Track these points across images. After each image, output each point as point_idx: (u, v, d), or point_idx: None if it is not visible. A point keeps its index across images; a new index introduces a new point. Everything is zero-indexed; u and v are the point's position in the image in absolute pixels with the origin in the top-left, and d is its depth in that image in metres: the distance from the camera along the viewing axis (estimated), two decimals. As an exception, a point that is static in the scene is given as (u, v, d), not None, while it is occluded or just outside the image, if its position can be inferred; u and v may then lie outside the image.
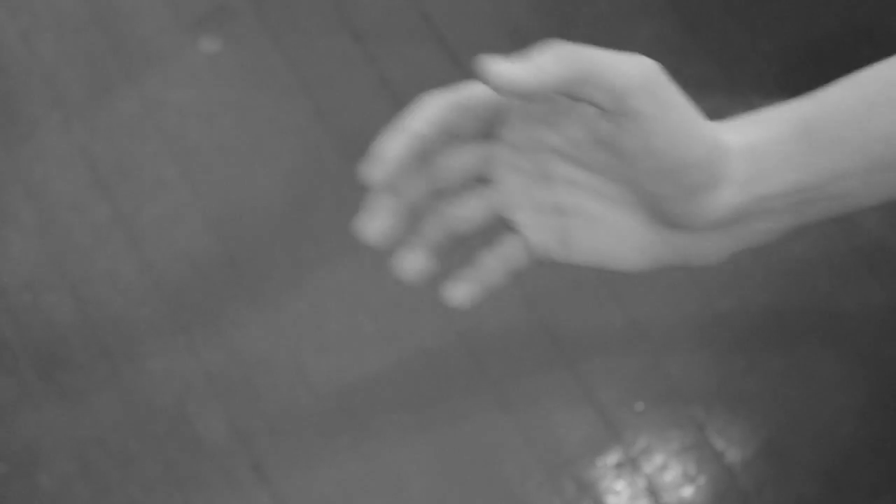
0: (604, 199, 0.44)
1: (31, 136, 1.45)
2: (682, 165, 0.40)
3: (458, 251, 0.50)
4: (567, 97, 0.41)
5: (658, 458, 1.21)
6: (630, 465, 1.21)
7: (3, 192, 1.42)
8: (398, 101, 1.42)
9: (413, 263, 0.46)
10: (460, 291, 0.46)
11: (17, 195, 1.41)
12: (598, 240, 0.45)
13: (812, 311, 1.28)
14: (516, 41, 1.46)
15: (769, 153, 0.42)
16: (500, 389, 1.25)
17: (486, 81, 0.40)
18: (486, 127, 0.46)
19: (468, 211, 0.47)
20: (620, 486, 1.20)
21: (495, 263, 0.47)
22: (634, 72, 0.39)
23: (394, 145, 0.44)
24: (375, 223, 0.44)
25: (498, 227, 0.48)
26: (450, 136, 0.45)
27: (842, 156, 0.41)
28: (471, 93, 0.45)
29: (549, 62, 0.39)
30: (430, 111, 0.44)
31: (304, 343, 1.30)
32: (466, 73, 1.44)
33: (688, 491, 1.20)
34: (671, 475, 1.21)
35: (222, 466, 1.25)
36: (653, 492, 1.20)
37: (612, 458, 1.22)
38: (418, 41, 1.46)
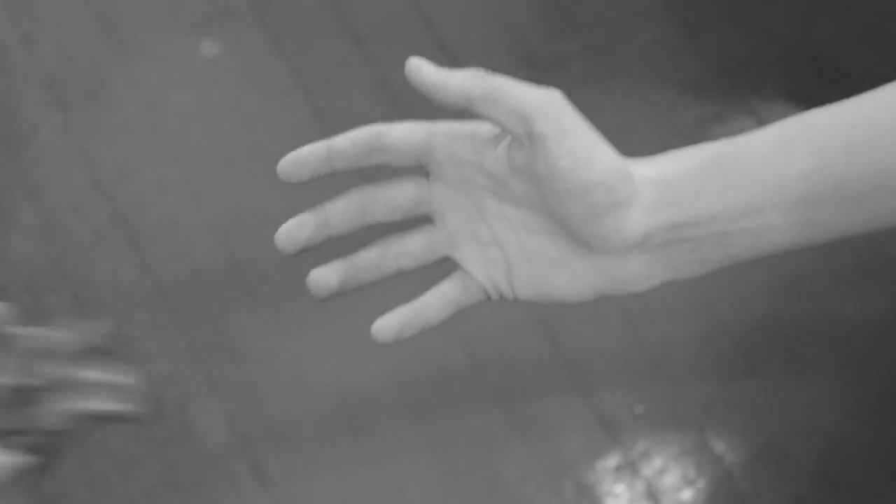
0: (531, 230, 0.47)
1: (31, 139, 1.45)
2: (586, 185, 0.43)
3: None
4: (480, 116, 0.45)
5: (657, 462, 1.21)
6: (629, 468, 1.21)
7: (3, 194, 1.42)
8: (398, 103, 1.43)
9: (322, 279, 0.50)
10: (387, 327, 0.48)
11: (18, 197, 1.41)
12: (537, 274, 0.48)
13: (811, 314, 1.28)
14: (515, 44, 1.46)
15: (682, 182, 0.44)
16: (499, 393, 1.25)
17: (407, 73, 0.44)
18: (419, 164, 0.49)
19: (410, 246, 0.49)
20: (620, 489, 1.21)
21: (435, 301, 0.49)
22: (538, 98, 0.42)
23: (311, 148, 0.48)
24: (291, 230, 0.49)
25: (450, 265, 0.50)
26: (378, 164, 0.48)
27: (757, 191, 0.44)
28: (401, 128, 0.48)
29: (463, 76, 0.44)
30: (357, 133, 0.48)
31: (305, 346, 1.30)
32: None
33: (687, 494, 1.20)
34: (671, 478, 1.21)
35: (222, 470, 1.25)
36: (652, 495, 1.20)
37: (611, 461, 1.22)
38: (418, 44, 1.47)
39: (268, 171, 1.39)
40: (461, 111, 0.46)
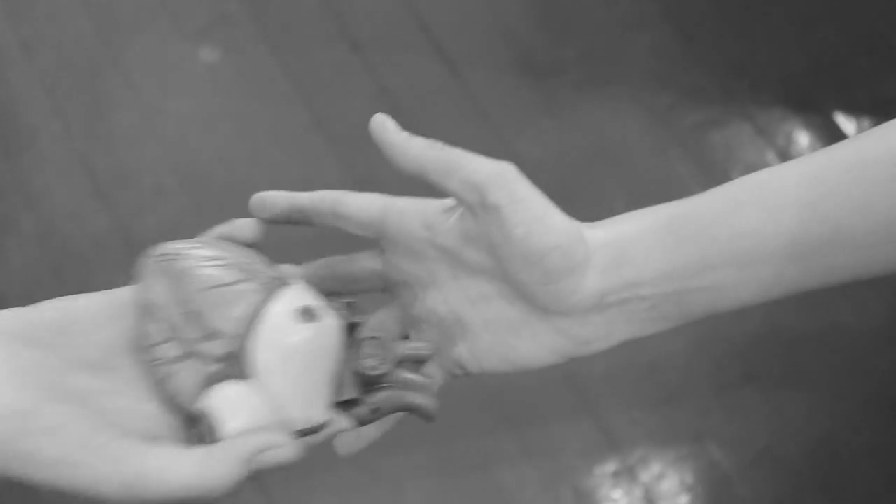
0: (489, 299, 0.48)
1: (30, 146, 1.45)
2: (542, 251, 0.44)
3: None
4: (434, 186, 0.46)
5: (655, 467, 1.22)
6: (627, 473, 1.21)
7: (2, 200, 1.42)
8: (397, 110, 1.43)
9: None
10: (346, 442, 0.49)
11: (17, 204, 1.42)
12: (499, 342, 0.48)
13: (808, 320, 1.29)
14: (513, 50, 1.46)
15: (635, 242, 0.45)
16: (497, 399, 1.25)
17: (371, 129, 0.45)
18: (375, 237, 0.50)
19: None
20: (618, 494, 1.21)
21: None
22: (491, 169, 0.44)
23: (278, 195, 0.51)
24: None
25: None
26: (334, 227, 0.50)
27: (708, 249, 0.45)
28: (359, 200, 0.50)
29: (420, 146, 0.45)
30: (320, 195, 0.50)
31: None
32: (464, 82, 1.44)
33: (685, 499, 1.20)
34: (669, 484, 1.21)
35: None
36: (650, 500, 1.20)
37: (609, 466, 1.22)
38: (417, 51, 1.47)
39: (267, 177, 1.40)
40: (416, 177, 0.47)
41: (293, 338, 0.43)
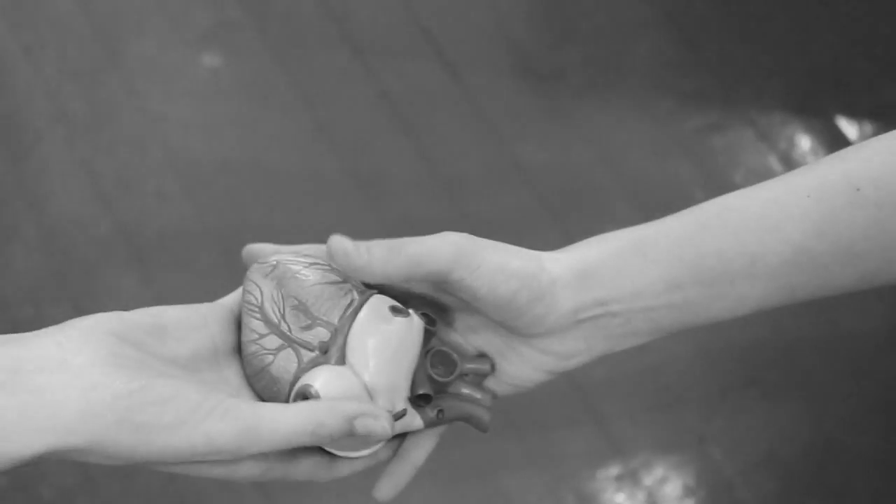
0: (474, 331, 0.52)
1: (33, 151, 1.45)
2: (506, 297, 0.47)
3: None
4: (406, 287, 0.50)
5: (658, 471, 1.22)
6: (630, 477, 1.22)
7: (5, 206, 1.42)
8: (398, 115, 1.43)
9: None
10: (385, 489, 0.54)
11: (20, 209, 1.42)
12: (503, 370, 0.53)
13: (810, 325, 1.29)
14: (515, 56, 1.47)
15: (603, 264, 0.48)
16: (499, 403, 1.25)
17: (332, 254, 0.48)
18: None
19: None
20: (621, 498, 1.21)
21: (413, 444, 0.55)
22: (446, 255, 0.47)
23: (266, 248, 0.54)
24: None
25: None
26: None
27: (675, 269, 0.47)
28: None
29: (381, 262, 0.47)
30: (317, 249, 0.52)
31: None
32: (465, 87, 1.45)
33: (687, 503, 1.20)
34: (671, 487, 1.21)
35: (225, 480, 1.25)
36: (653, 504, 1.20)
37: (612, 470, 1.22)
38: (418, 56, 1.47)
39: (268, 181, 1.40)
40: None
41: (389, 327, 0.48)
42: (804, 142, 1.38)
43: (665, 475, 1.21)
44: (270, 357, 0.49)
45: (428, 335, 0.50)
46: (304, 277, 0.50)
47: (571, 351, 0.51)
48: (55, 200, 1.42)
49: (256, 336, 0.50)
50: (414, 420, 0.50)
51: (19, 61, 1.52)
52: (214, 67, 1.49)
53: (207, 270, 1.36)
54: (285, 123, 1.44)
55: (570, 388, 1.25)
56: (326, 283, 0.50)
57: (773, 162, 1.36)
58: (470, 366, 0.52)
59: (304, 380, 0.48)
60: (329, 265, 0.50)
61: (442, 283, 0.48)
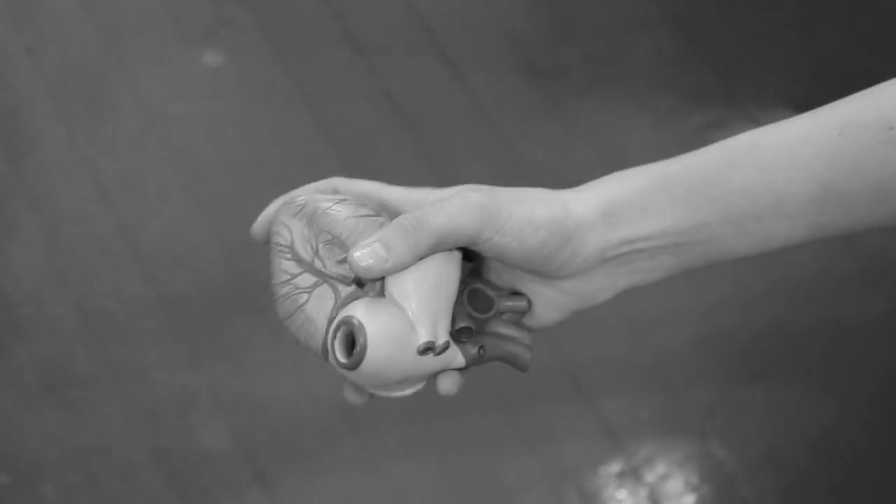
0: (499, 271, 0.52)
1: (35, 149, 1.46)
2: (536, 248, 0.47)
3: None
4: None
5: (660, 468, 1.22)
6: (632, 474, 1.22)
7: (7, 204, 1.42)
8: (400, 113, 1.43)
9: None
10: (448, 384, 0.53)
11: (22, 208, 1.42)
12: (537, 310, 0.53)
13: (812, 319, 1.29)
14: (517, 54, 1.47)
15: (629, 202, 0.48)
16: (501, 399, 1.25)
17: (356, 271, 0.47)
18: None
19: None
20: (623, 495, 1.21)
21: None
22: (471, 221, 0.47)
23: (262, 219, 0.55)
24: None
25: None
26: None
27: (702, 207, 0.47)
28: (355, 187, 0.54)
29: (406, 252, 0.47)
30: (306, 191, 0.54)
31: (307, 354, 1.30)
32: (467, 85, 1.45)
33: (690, 500, 1.20)
34: (673, 484, 1.21)
35: (226, 477, 1.25)
36: (655, 501, 1.20)
37: (614, 467, 1.22)
38: (419, 54, 1.47)
39: (270, 180, 1.40)
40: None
41: (428, 258, 0.47)
42: (806, 139, 1.38)
43: (667, 471, 1.21)
44: (305, 296, 0.49)
45: (464, 270, 0.50)
46: (335, 212, 0.49)
47: (596, 289, 0.51)
48: (56, 199, 1.42)
49: (289, 276, 0.50)
50: (456, 357, 0.50)
51: (21, 60, 1.52)
52: (216, 66, 1.49)
53: (209, 269, 1.36)
54: (287, 122, 1.44)
55: (571, 383, 1.26)
56: (360, 216, 0.49)
57: (775, 159, 1.36)
58: (507, 303, 0.51)
59: (346, 311, 0.47)
60: (359, 200, 0.50)
61: (473, 246, 0.48)
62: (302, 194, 0.53)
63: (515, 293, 0.51)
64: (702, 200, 0.47)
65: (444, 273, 0.48)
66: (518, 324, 0.51)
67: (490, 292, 0.50)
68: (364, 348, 0.46)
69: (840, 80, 1.42)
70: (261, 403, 1.29)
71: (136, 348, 1.33)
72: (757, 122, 1.39)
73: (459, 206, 0.47)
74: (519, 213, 0.47)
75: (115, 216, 1.40)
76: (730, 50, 1.45)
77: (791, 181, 0.46)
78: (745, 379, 1.26)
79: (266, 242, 0.53)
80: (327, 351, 0.49)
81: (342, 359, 0.48)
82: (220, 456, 1.26)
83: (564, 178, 1.42)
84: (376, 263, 0.46)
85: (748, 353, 1.27)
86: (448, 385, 0.52)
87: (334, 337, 0.48)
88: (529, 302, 0.51)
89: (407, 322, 0.47)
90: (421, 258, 0.47)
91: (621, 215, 0.48)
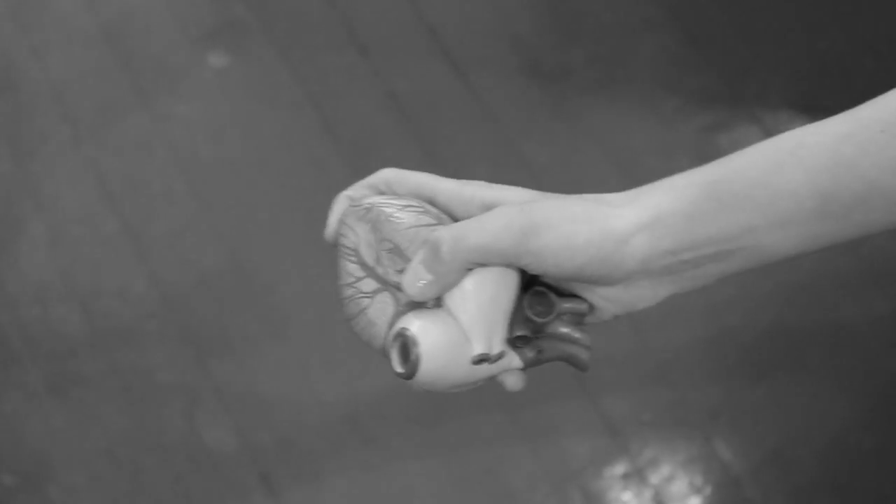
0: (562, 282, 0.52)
1: (40, 151, 1.46)
2: (574, 271, 0.48)
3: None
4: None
5: (665, 469, 1.22)
6: (637, 475, 1.22)
7: (13, 205, 1.43)
8: (404, 114, 1.43)
9: None
10: (513, 381, 0.52)
11: (27, 209, 1.42)
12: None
13: (817, 321, 1.29)
14: (521, 55, 1.47)
15: (674, 212, 0.48)
16: (506, 401, 1.25)
17: (406, 293, 0.49)
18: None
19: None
20: (627, 496, 1.21)
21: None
22: (508, 245, 0.47)
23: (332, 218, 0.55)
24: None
25: None
26: None
27: (749, 212, 0.47)
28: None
29: (450, 271, 0.48)
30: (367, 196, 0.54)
31: (312, 355, 1.31)
32: (471, 86, 1.45)
33: (695, 502, 1.20)
34: (678, 486, 1.21)
35: (231, 478, 1.26)
36: (660, 502, 1.20)
37: (618, 468, 1.22)
38: (424, 55, 1.48)
39: (275, 181, 1.40)
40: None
41: (486, 268, 0.48)
42: (810, 140, 1.38)
43: (672, 473, 1.21)
44: (367, 300, 0.50)
45: (524, 276, 0.50)
46: (397, 220, 0.50)
47: (637, 298, 0.51)
48: (62, 200, 1.43)
49: (353, 279, 0.51)
50: (513, 360, 0.50)
51: (26, 61, 1.52)
52: (221, 67, 1.49)
53: (214, 270, 1.36)
54: (291, 123, 1.44)
55: (576, 386, 1.26)
56: (420, 225, 0.50)
57: (780, 160, 1.36)
58: (567, 305, 0.51)
59: (401, 323, 0.48)
60: (422, 207, 0.51)
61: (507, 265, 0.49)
62: (364, 194, 0.53)
63: (576, 295, 0.52)
64: (748, 205, 0.47)
65: (500, 281, 0.49)
66: (578, 325, 0.52)
67: (552, 296, 0.51)
68: (417, 360, 0.47)
69: (844, 81, 1.42)
70: (266, 404, 1.29)
71: (140, 349, 1.33)
72: (761, 123, 1.39)
73: (497, 228, 0.48)
74: (557, 238, 0.48)
75: (119, 217, 1.40)
76: (734, 51, 1.45)
77: (837, 181, 0.46)
78: (750, 380, 1.26)
79: (334, 244, 0.53)
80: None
81: (398, 368, 0.49)
82: (225, 457, 1.26)
83: (569, 178, 1.42)
84: (422, 286, 0.48)
85: (753, 354, 1.27)
86: (513, 382, 0.52)
87: (392, 346, 0.49)
88: (590, 305, 0.51)
89: (461, 333, 0.48)
90: (465, 274, 0.48)
91: (667, 226, 0.48)
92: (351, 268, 0.51)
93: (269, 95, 1.47)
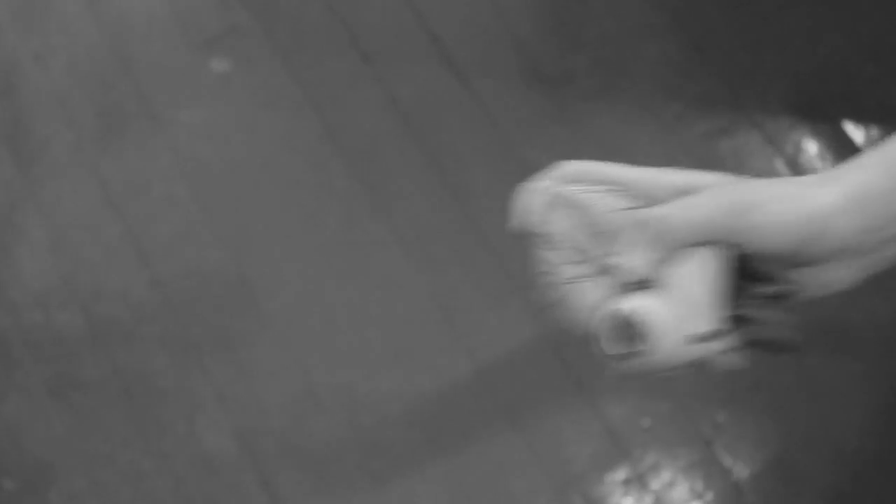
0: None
1: (43, 156, 1.46)
2: (778, 254, 0.49)
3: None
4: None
5: (666, 475, 1.22)
6: (638, 481, 1.21)
7: (15, 210, 1.43)
8: (406, 120, 1.43)
9: None
10: (727, 362, 0.53)
11: (29, 213, 1.42)
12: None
13: (819, 326, 1.29)
14: (523, 60, 1.47)
15: (873, 190, 0.48)
16: (508, 406, 1.25)
17: (616, 273, 0.50)
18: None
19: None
20: (628, 502, 1.21)
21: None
22: (718, 224, 0.48)
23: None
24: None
25: None
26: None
27: None
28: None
29: (653, 253, 0.49)
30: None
31: (313, 360, 1.31)
32: (473, 92, 1.45)
33: (696, 507, 1.20)
34: (679, 491, 1.21)
35: (231, 483, 1.26)
36: (661, 508, 1.20)
37: (619, 474, 1.22)
38: (426, 61, 1.48)
39: (277, 186, 1.40)
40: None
41: (695, 251, 0.49)
42: (811, 146, 1.38)
43: (673, 479, 1.21)
44: (573, 286, 0.51)
45: (730, 259, 0.51)
46: (606, 204, 0.51)
47: (832, 279, 0.51)
48: (64, 204, 1.43)
49: (552, 267, 0.51)
50: (728, 341, 0.51)
51: (29, 66, 1.52)
52: (223, 72, 1.49)
53: (215, 274, 1.36)
54: (293, 128, 1.45)
55: (577, 391, 1.25)
56: (631, 208, 0.50)
57: (780, 166, 1.36)
58: (774, 288, 0.52)
59: (616, 304, 0.49)
60: (626, 192, 0.51)
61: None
62: (553, 185, 0.54)
63: (780, 278, 0.52)
64: None
65: (712, 262, 0.49)
66: (783, 308, 0.53)
67: (759, 278, 0.51)
68: (643, 337, 0.48)
69: (845, 87, 1.42)
70: (267, 409, 1.29)
71: (142, 354, 1.33)
72: (762, 129, 1.40)
73: (710, 207, 0.49)
74: (766, 217, 0.48)
75: (121, 222, 1.41)
76: (735, 57, 1.45)
77: None
78: (750, 387, 1.25)
79: (523, 235, 0.54)
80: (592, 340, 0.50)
81: (609, 350, 0.49)
82: (226, 462, 1.26)
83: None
84: (638, 265, 0.48)
85: (753, 361, 1.27)
86: (729, 362, 0.53)
87: (605, 327, 0.49)
88: (796, 288, 0.52)
89: (678, 312, 0.49)
90: (678, 254, 0.49)
91: (867, 205, 0.48)
92: (551, 255, 0.52)
93: (270, 101, 1.47)
